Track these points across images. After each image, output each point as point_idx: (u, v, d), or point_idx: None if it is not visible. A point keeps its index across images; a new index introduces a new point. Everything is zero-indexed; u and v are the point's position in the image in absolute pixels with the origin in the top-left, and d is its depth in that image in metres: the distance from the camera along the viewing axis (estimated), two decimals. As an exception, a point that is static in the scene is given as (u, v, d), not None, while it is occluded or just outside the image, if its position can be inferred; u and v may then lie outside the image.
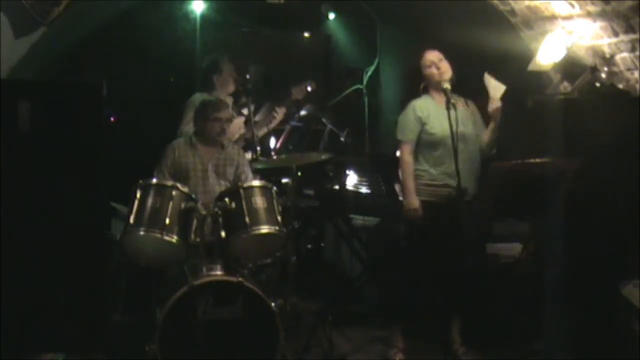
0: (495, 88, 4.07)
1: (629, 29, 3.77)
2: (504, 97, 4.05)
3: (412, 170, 4.05)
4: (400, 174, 4.12)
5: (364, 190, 5.39)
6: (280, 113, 5.04)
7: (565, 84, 4.40)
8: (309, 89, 5.18)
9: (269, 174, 4.61)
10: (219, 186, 4.21)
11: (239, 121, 4.89)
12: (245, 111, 4.89)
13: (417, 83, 4.14)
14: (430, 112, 4.04)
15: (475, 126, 4.12)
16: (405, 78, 4.44)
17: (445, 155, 3.99)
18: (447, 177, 3.97)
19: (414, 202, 4.01)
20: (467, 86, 4.15)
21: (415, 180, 4.05)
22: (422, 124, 4.03)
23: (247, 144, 4.79)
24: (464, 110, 4.06)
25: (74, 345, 3.78)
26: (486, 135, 4.12)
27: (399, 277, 4.37)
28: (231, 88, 4.88)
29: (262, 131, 4.99)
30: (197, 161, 4.22)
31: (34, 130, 3.79)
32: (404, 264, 4.31)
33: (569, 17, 4.09)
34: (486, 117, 4.21)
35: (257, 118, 5.09)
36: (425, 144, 4.05)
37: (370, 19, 6.30)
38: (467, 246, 3.96)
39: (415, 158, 4.08)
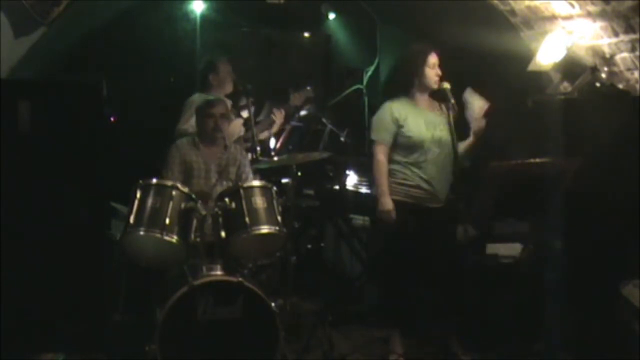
0: (479, 106, 3.95)
1: (629, 29, 3.77)
2: (487, 113, 3.96)
3: (387, 171, 3.97)
4: (374, 174, 4.03)
5: (364, 190, 5.38)
6: (279, 117, 5.05)
7: (565, 84, 4.40)
8: (308, 95, 5.21)
9: (269, 174, 4.61)
10: (221, 186, 4.21)
11: (238, 122, 4.89)
12: (245, 113, 4.89)
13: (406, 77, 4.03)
14: (408, 114, 3.96)
15: (450, 132, 3.93)
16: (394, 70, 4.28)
17: (421, 158, 3.93)
18: (422, 180, 3.93)
19: (388, 203, 3.91)
20: (467, 87, 4.13)
21: (389, 178, 3.98)
22: (399, 125, 3.95)
23: (247, 144, 4.79)
24: (439, 115, 4.01)
25: (74, 345, 3.78)
26: (463, 147, 3.98)
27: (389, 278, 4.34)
28: (229, 88, 4.88)
29: (263, 135, 5.02)
30: (200, 161, 4.22)
31: (34, 130, 3.79)
32: (387, 265, 4.26)
33: (569, 17, 4.09)
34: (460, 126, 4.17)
35: (258, 118, 5.10)
36: (401, 146, 3.97)
37: (370, 19, 6.30)
38: (440, 248, 3.96)
39: (391, 156, 4.00)
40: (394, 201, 3.94)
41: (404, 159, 3.97)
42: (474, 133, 3.99)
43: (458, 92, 4.03)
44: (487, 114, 3.98)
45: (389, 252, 4.09)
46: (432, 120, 3.97)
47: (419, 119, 3.95)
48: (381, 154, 3.99)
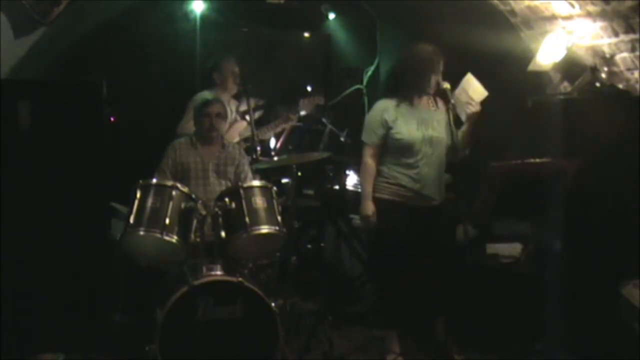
0: (476, 91, 3.89)
1: (629, 29, 3.77)
2: (483, 102, 3.91)
3: (372, 174, 3.96)
4: (360, 176, 4.03)
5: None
6: (288, 123, 5.13)
7: (565, 84, 4.40)
8: (319, 103, 5.26)
9: (269, 174, 4.61)
10: (219, 186, 4.22)
11: (242, 124, 4.91)
12: (248, 116, 4.91)
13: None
14: (399, 115, 3.93)
15: (445, 128, 3.95)
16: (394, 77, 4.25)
17: (411, 159, 3.92)
18: (412, 181, 3.92)
19: (369, 208, 3.92)
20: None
21: (378, 178, 3.97)
22: (388, 127, 3.92)
23: (248, 144, 4.80)
24: (436, 113, 4.01)
25: (74, 345, 3.78)
26: (460, 136, 3.96)
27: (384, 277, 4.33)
28: (232, 87, 4.91)
29: (266, 135, 5.08)
30: (197, 160, 4.22)
31: (34, 130, 3.78)
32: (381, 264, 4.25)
33: (569, 17, 4.09)
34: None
35: (268, 120, 5.16)
36: (391, 147, 3.95)
37: (370, 18, 6.29)
38: (433, 247, 3.96)
39: (382, 157, 3.98)
40: (384, 200, 3.94)
41: (394, 160, 3.95)
42: (467, 118, 3.93)
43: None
44: (483, 105, 3.90)
45: (381, 251, 4.09)
46: (425, 119, 3.94)
47: (410, 119, 3.93)
48: (368, 157, 3.97)
